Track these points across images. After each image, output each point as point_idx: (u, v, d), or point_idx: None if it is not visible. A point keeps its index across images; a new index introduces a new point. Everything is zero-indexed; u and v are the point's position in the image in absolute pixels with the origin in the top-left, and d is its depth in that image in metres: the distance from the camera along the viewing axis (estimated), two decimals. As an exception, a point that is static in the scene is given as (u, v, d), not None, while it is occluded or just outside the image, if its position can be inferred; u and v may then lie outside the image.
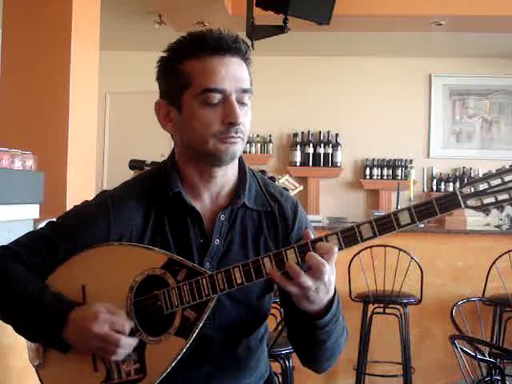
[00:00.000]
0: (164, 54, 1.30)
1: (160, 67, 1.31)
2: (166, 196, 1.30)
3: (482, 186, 1.16)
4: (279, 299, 1.40)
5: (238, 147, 1.27)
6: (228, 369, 1.33)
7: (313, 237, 1.19)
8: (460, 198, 1.15)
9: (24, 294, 1.24)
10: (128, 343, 1.20)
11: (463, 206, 1.15)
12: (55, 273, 1.28)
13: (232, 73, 1.24)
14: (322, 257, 1.15)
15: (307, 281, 1.14)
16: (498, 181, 1.15)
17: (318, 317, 1.20)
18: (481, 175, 1.18)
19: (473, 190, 1.16)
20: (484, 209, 1.16)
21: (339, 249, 1.18)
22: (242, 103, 1.26)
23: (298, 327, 1.26)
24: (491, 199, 1.15)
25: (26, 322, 1.26)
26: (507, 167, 1.16)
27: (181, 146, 1.32)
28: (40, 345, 1.29)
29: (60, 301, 1.24)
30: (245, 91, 1.26)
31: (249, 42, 3.88)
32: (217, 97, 1.23)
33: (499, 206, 1.16)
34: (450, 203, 1.15)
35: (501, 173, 1.15)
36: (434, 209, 1.15)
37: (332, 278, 1.17)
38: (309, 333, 1.23)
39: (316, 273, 1.14)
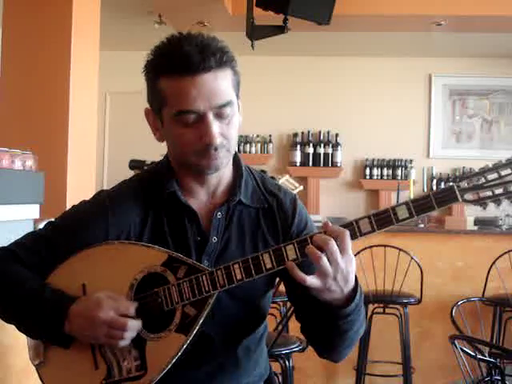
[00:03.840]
0: (146, 60, 1.27)
1: (144, 73, 1.29)
2: (162, 196, 1.31)
3: (479, 181, 1.16)
4: (287, 295, 1.40)
5: (222, 160, 1.26)
6: (228, 368, 1.33)
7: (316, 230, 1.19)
8: (457, 191, 1.15)
9: (24, 291, 1.24)
10: (135, 325, 1.21)
11: (460, 199, 1.16)
12: (55, 272, 1.28)
13: (205, 91, 1.19)
14: (336, 242, 1.14)
15: (327, 266, 1.12)
16: (495, 175, 1.16)
17: (342, 306, 1.19)
18: (477, 170, 1.19)
19: (470, 184, 1.16)
20: (481, 202, 1.17)
21: None
22: (221, 117, 1.23)
23: (319, 318, 1.24)
24: (488, 193, 1.16)
25: (27, 319, 1.26)
26: (504, 161, 1.17)
27: (170, 152, 1.34)
28: (40, 343, 1.29)
29: (60, 295, 1.24)
30: (222, 106, 1.22)
31: (249, 42, 3.88)
32: (191, 117, 1.21)
33: (496, 199, 1.16)
34: (447, 197, 1.16)
35: (497, 167, 1.16)
36: (432, 203, 1.15)
37: (350, 266, 1.15)
38: (332, 323, 1.22)
39: (328, 254, 1.13)
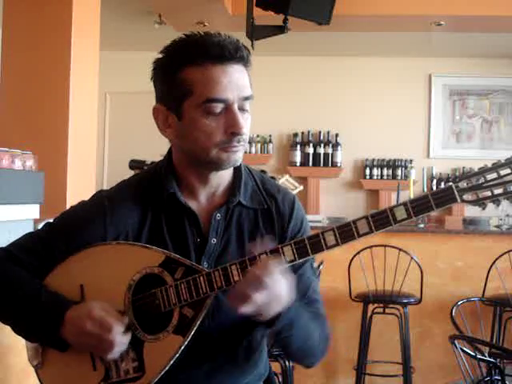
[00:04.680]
0: (161, 56, 1.27)
1: (157, 71, 1.28)
2: (161, 196, 1.30)
3: (478, 181, 1.15)
4: None
5: (240, 155, 1.27)
6: (227, 368, 1.33)
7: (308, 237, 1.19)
8: (456, 192, 1.14)
9: (21, 294, 1.24)
10: (122, 340, 1.20)
11: (459, 200, 1.14)
12: (54, 272, 1.28)
13: (234, 81, 1.23)
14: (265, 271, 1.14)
15: (260, 298, 1.13)
16: (494, 175, 1.15)
17: (268, 326, 1.21)
18: (477, 169, 1.17)
19: (469, 184, 1.15)
20: (480, 203, 1.16)
21: (335, 245, 1.18)
22: (243, 110, 1.25)
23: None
24: (487, 193, 1.15)
25: (23, 323, 1.26)
26: (503, 161, 1.15)
27: (180, 151, 1.32)
28: (39, 344, 1.29)
29: (57, 300, 1.24)
30: (247, 99, 1.26)
31: (249, 42, 3.88)
32: (219, 106, 1.22)
33: (495, 199, 1.15)
34: (445, 198, 1.15)
35: (497, 167, 1.15)
36: (430, 203, 1.15)
37: (283, 290, 1.15)
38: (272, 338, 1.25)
39: (259, 285, 1.12)
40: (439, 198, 1.15)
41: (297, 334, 1.24)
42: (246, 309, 1.13)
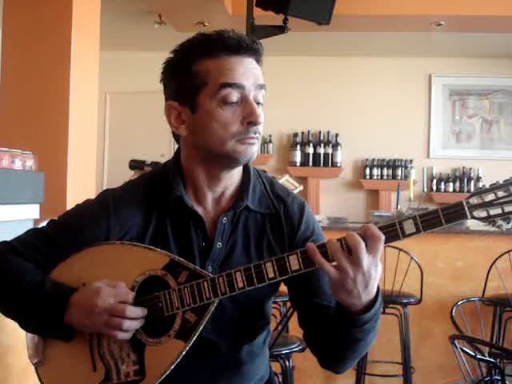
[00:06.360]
0: (172, 55, 1.26)
1: (168, 68, 1.27)
2: (167, 199, 1.28)
3: (489, 197, 1.14)
4: (290, 301, 1.38)
5: (255, 149, 1.25)
6: (230, 372, 1.32)
7: (325, 238, 1.16)
8: (466, 208, 1.13)
9: (24, 284, 1.23)
10: (134, 312, 1.19)
11: (469, 216, 1.13)
12: (56, 270, 1.28)
13: (250, 70, 1.22)
14: (368, 242, 1.11)
15: (345, 262, 1.10)
16: (506, 192, 1.14)
17: (360, 313, 1.16)
18: (487, 185, 1.16)
19: (480, 200, 1.14)
20: (490, 220, 1.14)
21: None
22: (258, 103, 1.23)
23: (332, 324, 1.21)
24: (498, 210, 1.14)
25: (27, 312, 1.25)
26: None
27: (192, 147, 1.28)
28: (40, 342, 1.29)
29: (60, 287, 1.23)
30: (262, 87, 1.24)
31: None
32: (235, 95, 1.20)
33: (506, 217, 1.14)
34: (456, 214, 1.13)
35: (509, 184, 1.14)
36: (440, 219, 1.13)
37: (374, 271, 1.12)
38: (345, 330, 1.19)
39: (354, 254, 1.10)
40: (449, 213, 1.13)
41: (375, 327, 1.21)
42: (330, 269, 1.11)
